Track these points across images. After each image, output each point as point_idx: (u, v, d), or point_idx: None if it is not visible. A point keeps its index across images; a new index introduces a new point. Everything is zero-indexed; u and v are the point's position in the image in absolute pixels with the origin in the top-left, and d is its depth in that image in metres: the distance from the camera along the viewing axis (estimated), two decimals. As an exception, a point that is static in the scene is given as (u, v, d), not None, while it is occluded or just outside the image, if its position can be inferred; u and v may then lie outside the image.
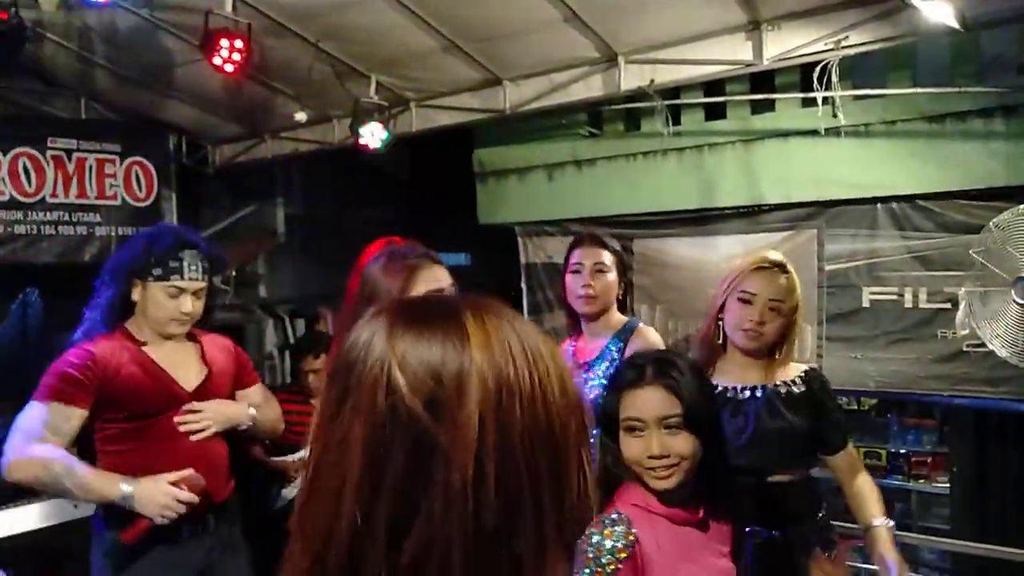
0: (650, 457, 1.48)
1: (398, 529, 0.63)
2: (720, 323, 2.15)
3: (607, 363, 2.36)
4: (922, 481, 5.29)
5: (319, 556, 0.64)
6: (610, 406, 1.58)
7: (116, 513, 2.13)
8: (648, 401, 1.51)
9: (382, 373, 0.65)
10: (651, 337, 2.43)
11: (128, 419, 2.21)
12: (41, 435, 2.07)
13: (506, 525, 0.63)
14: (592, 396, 2.16)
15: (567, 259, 2.44)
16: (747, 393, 2.13)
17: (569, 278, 2.41)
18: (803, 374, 2.17)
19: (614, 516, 1.46)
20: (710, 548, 1.55)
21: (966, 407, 4.22)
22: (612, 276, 2.41)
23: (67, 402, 2.12)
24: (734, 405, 2.11)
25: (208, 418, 2.27)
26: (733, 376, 2.16)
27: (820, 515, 2.16)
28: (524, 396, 0.65)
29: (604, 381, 2.21)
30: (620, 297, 2.46)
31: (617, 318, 2.46)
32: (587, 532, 1.44)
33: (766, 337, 2.09)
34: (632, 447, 1.51)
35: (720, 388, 2.11)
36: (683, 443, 1.48)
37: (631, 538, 1.42)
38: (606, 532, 1.43)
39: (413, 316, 0.69)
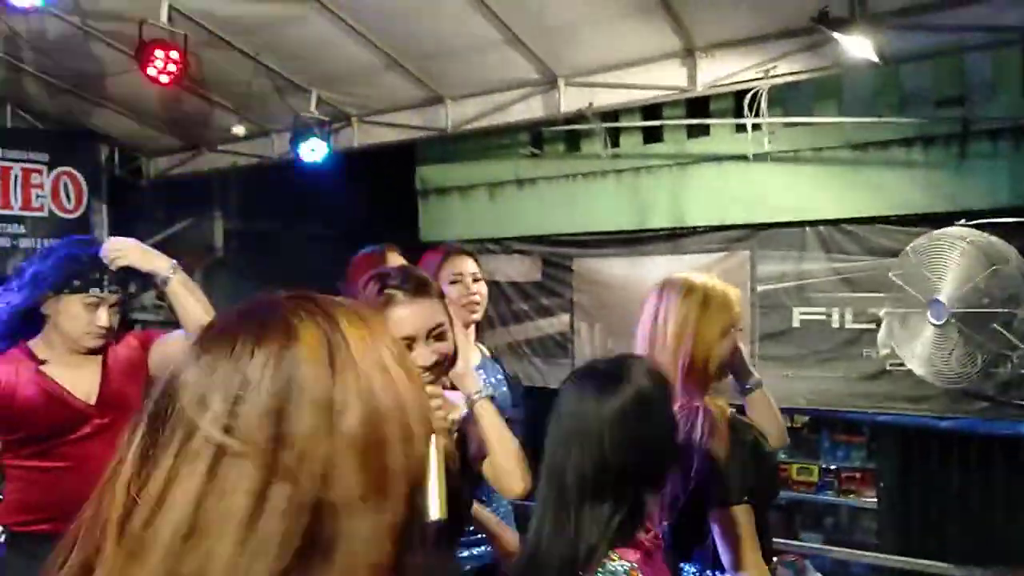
0: None
1: None
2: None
3: (493, 375, 2.37)
4: (851, 496, 5.44)
5: None
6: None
7: None
8: None
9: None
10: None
11: (27, 442, 2.12)
12: None
13: None
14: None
15: (436, 274, 2.31)
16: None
17: (450, 289, 2.32)
18: None
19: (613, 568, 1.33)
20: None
21: (891, 424, 4.38)
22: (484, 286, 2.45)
23: None
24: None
25: (123, 251, 2.16)
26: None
27: None
28: None
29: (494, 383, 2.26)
30: None
31: None
32: None
33: None
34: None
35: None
36: None
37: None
38: None
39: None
